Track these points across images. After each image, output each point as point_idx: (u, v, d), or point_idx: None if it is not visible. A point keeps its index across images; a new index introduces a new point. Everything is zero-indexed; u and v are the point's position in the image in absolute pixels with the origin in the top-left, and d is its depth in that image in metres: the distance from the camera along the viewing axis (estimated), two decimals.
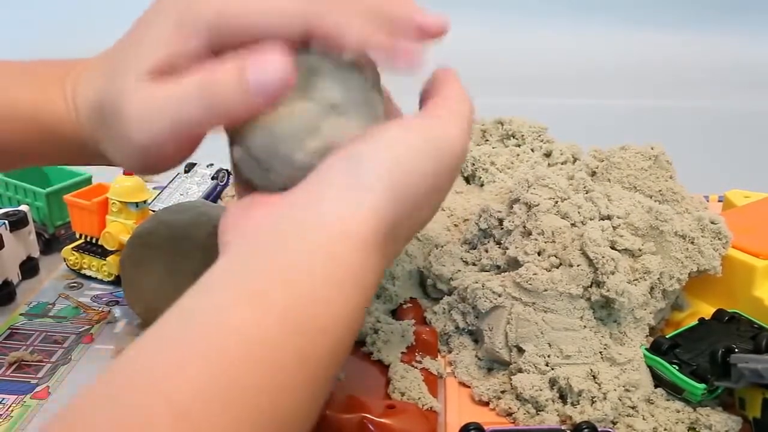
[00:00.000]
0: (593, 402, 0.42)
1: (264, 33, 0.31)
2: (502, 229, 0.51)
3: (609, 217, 0.48)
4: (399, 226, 0.32)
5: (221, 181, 0.70)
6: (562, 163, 0.63)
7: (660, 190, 0.52)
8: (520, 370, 0.45)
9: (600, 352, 0.45)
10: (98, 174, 0.66)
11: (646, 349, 0.46)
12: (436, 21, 0.33)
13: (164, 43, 0.32)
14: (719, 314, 0.47)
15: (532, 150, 0.65)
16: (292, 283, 0.28)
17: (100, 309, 0.57)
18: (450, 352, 0.50)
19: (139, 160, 0.34)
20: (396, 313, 0.52)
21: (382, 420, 0.40)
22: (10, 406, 0.46)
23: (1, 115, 0.37)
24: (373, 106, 0.35)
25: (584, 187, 0.50)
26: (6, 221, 0.58)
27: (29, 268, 0.61)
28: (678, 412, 0.43)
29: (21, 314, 0.56)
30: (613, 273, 0.45)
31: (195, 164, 0.72)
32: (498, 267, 0.51)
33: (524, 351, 0.45)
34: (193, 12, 0.32)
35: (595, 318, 0.46)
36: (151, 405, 0.24)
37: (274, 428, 0.26)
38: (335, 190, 0.30)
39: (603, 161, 0.54)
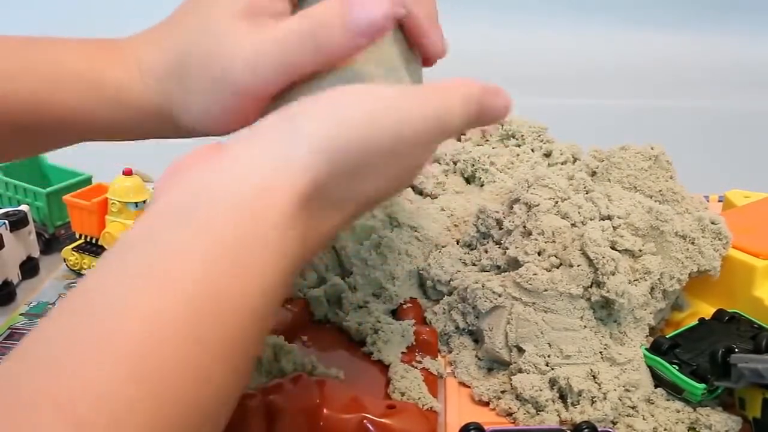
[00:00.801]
0: (593, 402, 0.42)
1: None
2: (500, 229, 0.51)
3: (609, 218, 0.48)
4: (331, 190, 0.30)
5: None
6: (562, 163, 0.63)
7: (660, 190, 0.52)
8: (520, 370, 0.45)
9: (600, 352, 0.45)
10: (98, 174, 0.66)
11: (646, 349, 0.46)
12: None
13: None
14: (719, 314, 0.47)
15: (532, 150, 0.65)
16: (207, 252, 0.26)
17: None
18: (450, 352, 0.50)
19: (226, 113, 0.35)
20: (396, 313, 0.52)
21: (382, 420, 0.40)
22: None
23: (65, 84, 0.37)
24: (411, 70, 0.36)
25: (584, 187, 0.50)
26: (6, 221, 0.58)
27: (29, 268, 0.61)
28: (678, 412, 0.43)
29: (21, 314, 0.56)
30: (613, 273, 0.45)
31: None
32: (498, 267, 0.51)
33: (524, 351, 0.45)
34: None
35: (595, 318, 0.46)
36: (39, 415, 0.21)
37: (196, 417, 0.24)
38: (266, 144, 0.29)
39: (603, 161, 0.54)
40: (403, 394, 0.44)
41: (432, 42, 0.36)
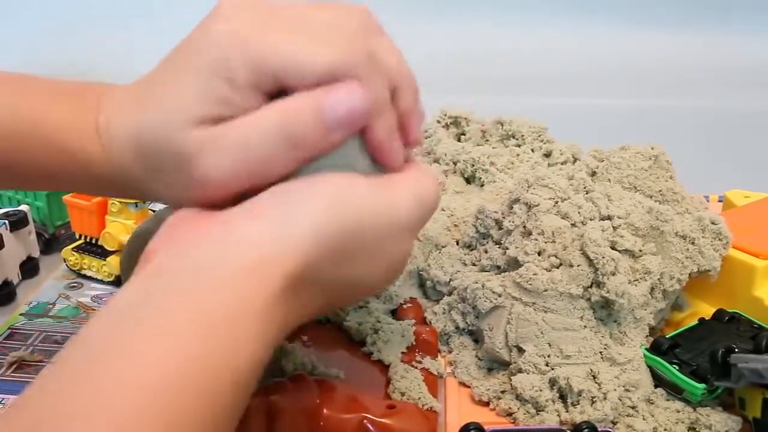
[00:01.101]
0: (593, 402, 0.42)
1: (303, 83, 0.31)
2: (500, 229, 0.51)
3: (609, 218, 0.48)
4: (321, 273, 0.30)
5: None
6: (562, 163, 0.63)
7: (660, 190, 0.52)
8: (520, 370, 0.45)
9: (600, 352, 0.45)
10: None
11: (646, 349, 0.46)
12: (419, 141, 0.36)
13: (209, 91, 0.31)
14: (719, 314, 0.47)
15: (532, 150, 0.65)
16: (200, 321, 0.27)
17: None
18: (450, 352, 0.50)
19: (199, 199, 0.33)
20: (396, 313, 0.52)
21: (382, 420, 0.40)
22: None
23: (25, 137, 0.36)
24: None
25: (584, 187, 0.50)
26: (6, 221, 0.58)
27: (29, 268, 0.61)
28: (678, 412, 0.43)
29: (21, 314, 0.56)
30: (613, 274, 0.45)
31: None
32: (498, 267, 0.51)
33: (524, 351, 0.45)
34: (233, 66, 0.31)
35: (595, 318, 0.46)
36: None
37: None
38: (262, 222, 0.30)
39: (603, 161, 0.54)
40: (403, 394, 0.44)
41: (390, 162, 0.34)
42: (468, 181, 0.65)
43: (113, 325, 0.27)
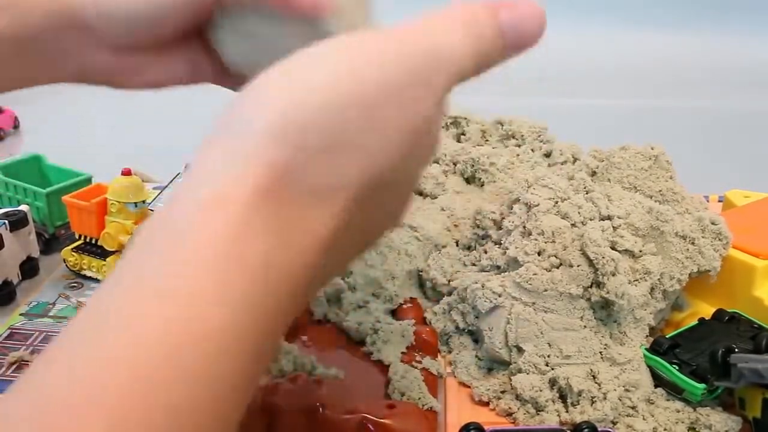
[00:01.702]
0: (593, 402, 0.42)
1: None
2: (499, 230, 0.51)
3: (609, 218, 0.48)
4: (305, 174, 0.24)
5: None
6: (562, 163, 0.63)
7: (660, 191, 0.52)
8: (520, 371, 0.45)
9: (600, 352, 0.45)
10: (98, 174, 0.66)
11: (646, 349, 0.46)
12: None
13: None
14: (719, 314, 0.47)
15: (532, 150, 0.65)
16: (167, 292, 0.22)
17: None
18: (450, 352, 0.50)
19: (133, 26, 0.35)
20: (396, 313, 0.52)
21: (382, 420, 0.40)
22: None
23: None
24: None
25: (584, 188, 0.50)
26: (6, 221, 0.58)
27: (29, 268, 0.61)
28: (678, 412, 0.43)
29: (21, 314, 0.56)
30: (613, 274, 0.45)
31: None
32: (498, 267, 0.51)
33: (524, 351, 0.45)
34: None
35: (595, 318, 0.46)
36: None
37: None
38: (218, 146, 0.24)
39: (603, 161, 0.54)
40: (403, 394, 0.44)
41: None
42: (468, 181, 0.65)
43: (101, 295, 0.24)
